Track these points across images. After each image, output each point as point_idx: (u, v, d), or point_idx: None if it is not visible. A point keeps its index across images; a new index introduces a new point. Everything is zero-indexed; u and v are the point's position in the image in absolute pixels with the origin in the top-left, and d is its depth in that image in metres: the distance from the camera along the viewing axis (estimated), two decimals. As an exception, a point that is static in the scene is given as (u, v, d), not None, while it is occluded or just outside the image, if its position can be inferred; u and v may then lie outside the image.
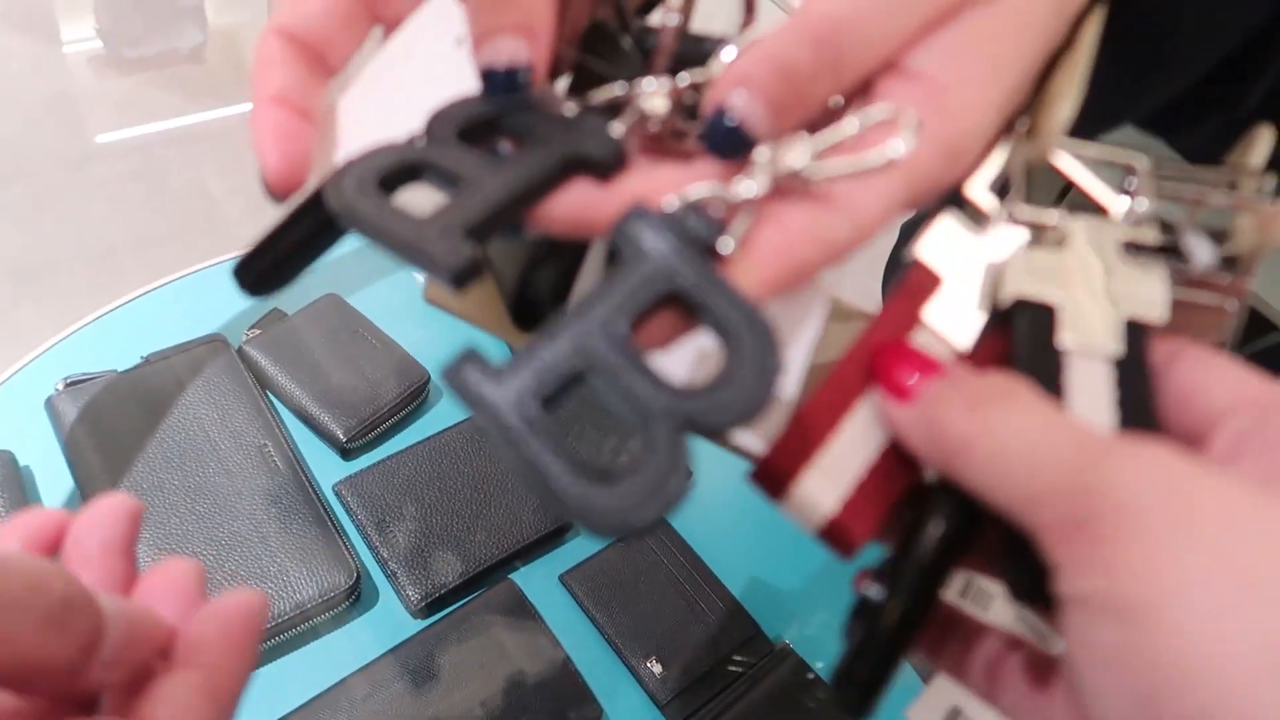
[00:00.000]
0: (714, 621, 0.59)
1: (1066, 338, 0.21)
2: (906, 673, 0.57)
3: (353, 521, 0.60)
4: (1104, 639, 0.16)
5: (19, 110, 1.08)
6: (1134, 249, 0.22)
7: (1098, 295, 0.21)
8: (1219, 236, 0.25)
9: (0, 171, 1.06)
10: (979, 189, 0.24)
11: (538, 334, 0.18)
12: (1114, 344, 0.20)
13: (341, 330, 0.68)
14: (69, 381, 0.62)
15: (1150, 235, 0.22)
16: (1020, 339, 0.21)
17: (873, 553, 0.22)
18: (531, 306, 0.32)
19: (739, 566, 0.62)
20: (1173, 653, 0.15)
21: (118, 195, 1.00)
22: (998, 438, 0.18)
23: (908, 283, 0.22)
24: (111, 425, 0.60)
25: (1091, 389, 0.20)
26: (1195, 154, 0.29)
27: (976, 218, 0.23)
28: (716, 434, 0.18)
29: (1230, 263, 0.24)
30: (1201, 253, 0.23)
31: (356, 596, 0.56)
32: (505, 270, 0.33)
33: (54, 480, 0.59)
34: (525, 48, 0.21)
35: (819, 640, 0.60)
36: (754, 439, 0.21)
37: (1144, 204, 0.23)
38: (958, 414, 0.19)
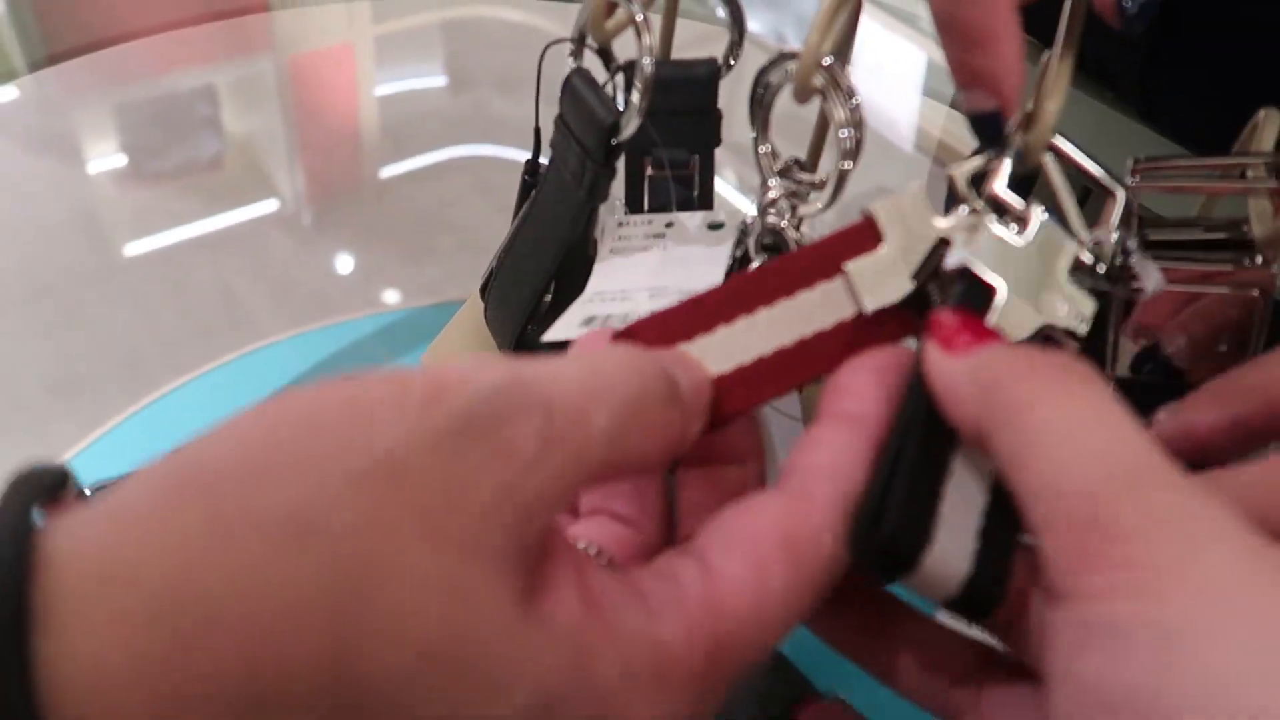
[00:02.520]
0: (762, 678, 0.57)
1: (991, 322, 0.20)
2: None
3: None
4: (1106, 663, 0.15)
5: (45, 229, 1.12)
6: (1079, 267, 0.22)
7: (1025, 293, 0.21)
8: (1235, 225, 0.24)
9: (30, 288, 1.09)
10: (961, 177, 0.23)
11: None
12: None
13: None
14: (97, 488, 0.62)
15: (1088, 256, 0.21)
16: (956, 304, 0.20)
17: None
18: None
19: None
20: (1194, 682, 0.14)
21: (144, 302, 1.03)
22: (1064, 411, 0.16)
23: (848, 231, 0.20)
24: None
25: None
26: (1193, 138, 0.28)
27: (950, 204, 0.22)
28: None
29: (1249, 248, 0.24)
30: (1150, 279, 0.23)
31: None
32: (503, 333, 0.33)
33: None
34: (993, 100, 0.22)
35: (871, 692, 0.57)
36: None
37: (1105, 234, 0.22)
38: (1020, 376, 0.17)
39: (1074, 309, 0.21)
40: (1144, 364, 0.26)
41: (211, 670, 0.13)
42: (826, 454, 0.17)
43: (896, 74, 0.82)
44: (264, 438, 0.14)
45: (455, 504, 0.14)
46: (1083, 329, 0.21)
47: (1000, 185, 0.21)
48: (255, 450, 0.14)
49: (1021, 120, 0.22)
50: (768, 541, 0.16)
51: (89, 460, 0.66)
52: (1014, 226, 0.21)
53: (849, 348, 0.20)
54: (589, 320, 0.27)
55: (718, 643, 0.16)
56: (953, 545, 0.18)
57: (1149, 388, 0.25)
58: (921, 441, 0.20)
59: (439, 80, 1.34)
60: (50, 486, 0.14)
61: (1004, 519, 0.19)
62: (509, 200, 0.31)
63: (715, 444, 0.19)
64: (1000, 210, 0.21)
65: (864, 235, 0.20)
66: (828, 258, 0.20)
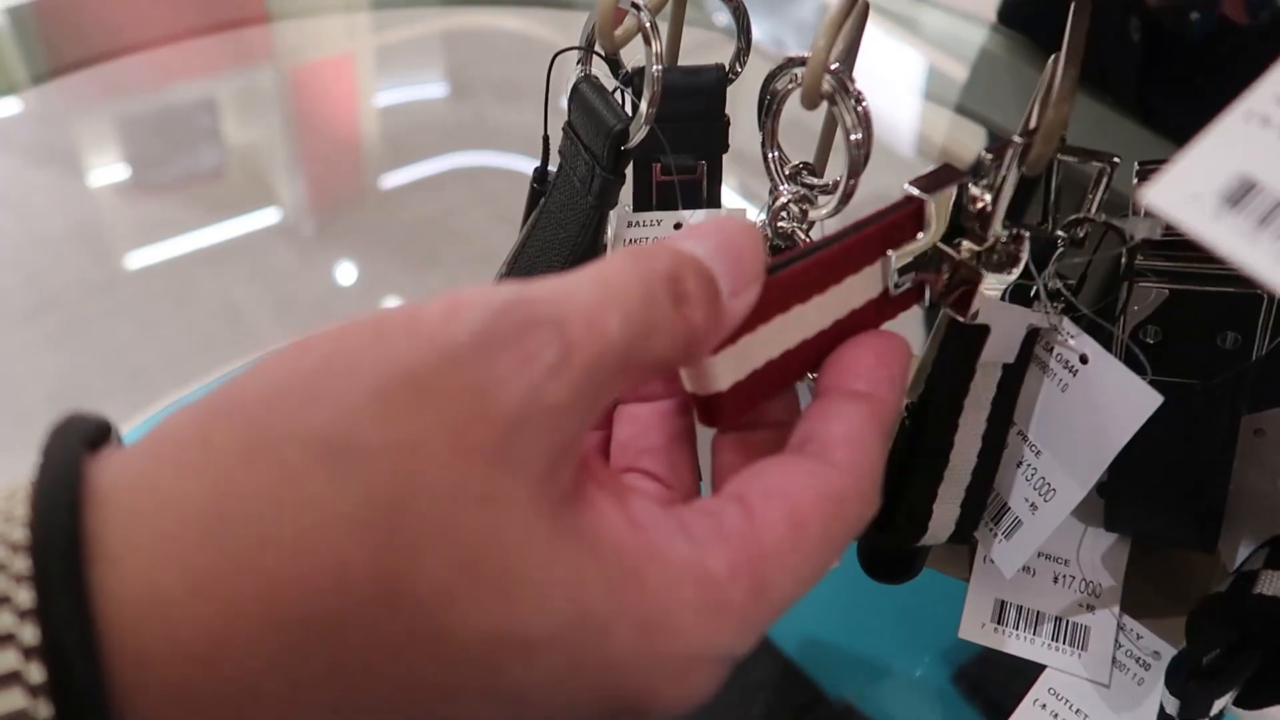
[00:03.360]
0: (767, 685, 0.56)
1: None
2: (950, 694, 0.54)
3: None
4: None
5: (47, 242, 1.12)
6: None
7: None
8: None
9: (34, 302, 1.09)
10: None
11: None
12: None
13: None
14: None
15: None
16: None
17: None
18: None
19: (789, 624, 0.60)
20: None
21: (147, 314, 1.03)
22: None
23: (898, 217, 0.21)
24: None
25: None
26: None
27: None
28: None
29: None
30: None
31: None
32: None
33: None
34: None
35: (879, 697, 0.57)
36: None
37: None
38: None
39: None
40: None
41: (262, 585, 0.13)
42: (843, 426, 0.18)
43: (897, 79, 0.83)
44: (290, 367, 0.15)
45: (480, 413, 0.14)
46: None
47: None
48: (283, 378, 0.14)
49: (1025, 130, 0.23)
50: (804, 496, 0.17)
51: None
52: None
53: (868, 321, 0.21)
54: None
55: (758, 580, 0.16)
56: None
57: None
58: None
59: (440, 90, 1.34)
60: (93, 433, 0.15)
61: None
62: (510, 209, 0.31)
63: (752, 413, 0.20)
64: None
65: (910, 221, 0.21)
66: (875, 243, 0.20)
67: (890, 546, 0.29)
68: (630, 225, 0.29)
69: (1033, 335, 0.25)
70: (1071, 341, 0.25)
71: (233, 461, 0.14)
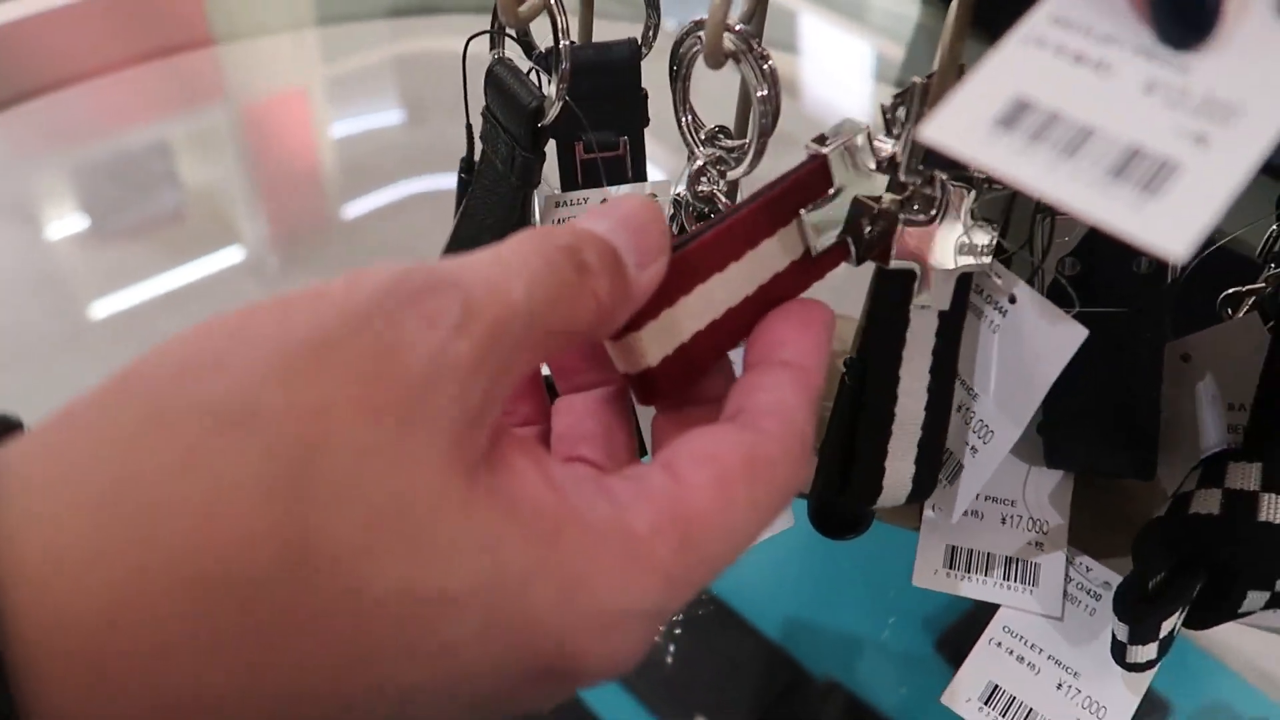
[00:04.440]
0: (754, 668, 0.57)
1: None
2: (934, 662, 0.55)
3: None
4: None
5: (9, 298, 1.10)
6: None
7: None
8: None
9: (-1, 359, 1.06)
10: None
11: None
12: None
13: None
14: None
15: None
16: None
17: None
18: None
19: (768, 607, 0.60)
20: None
21: (114, 363, 1.01)
22: None
23: (801, 176, 0.21)
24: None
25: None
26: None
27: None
28: None
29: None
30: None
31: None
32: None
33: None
34: None
35: (864, 671, 0.57)
36: None
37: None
38: None
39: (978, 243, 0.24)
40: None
41: (166, 550, 0.13)
42: (769, 395, 0.18)
43: (845, 67, 0.84)
44: (197, 342, 0.15)
45: (387, 374, 0.14)
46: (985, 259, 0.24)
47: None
48: (189, 352, 0.15)
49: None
50: (730, 460, 0.17)
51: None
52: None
53: (797, 285, 0.21)
54: None
55: (685, 540, 0.16)
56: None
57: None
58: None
59: (395, 116, 1.34)
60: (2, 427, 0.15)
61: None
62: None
63: (689, 389, 0.20)
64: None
65: (817, 179, 0.21)
66: (786, 205, 0.21)
67: (851, 509, 0.29)
68: (558, 205, 0.29)
69: (966, 279, 0.25)
70: (999, 281, 0.25)
71: (134, 432, 0.14)
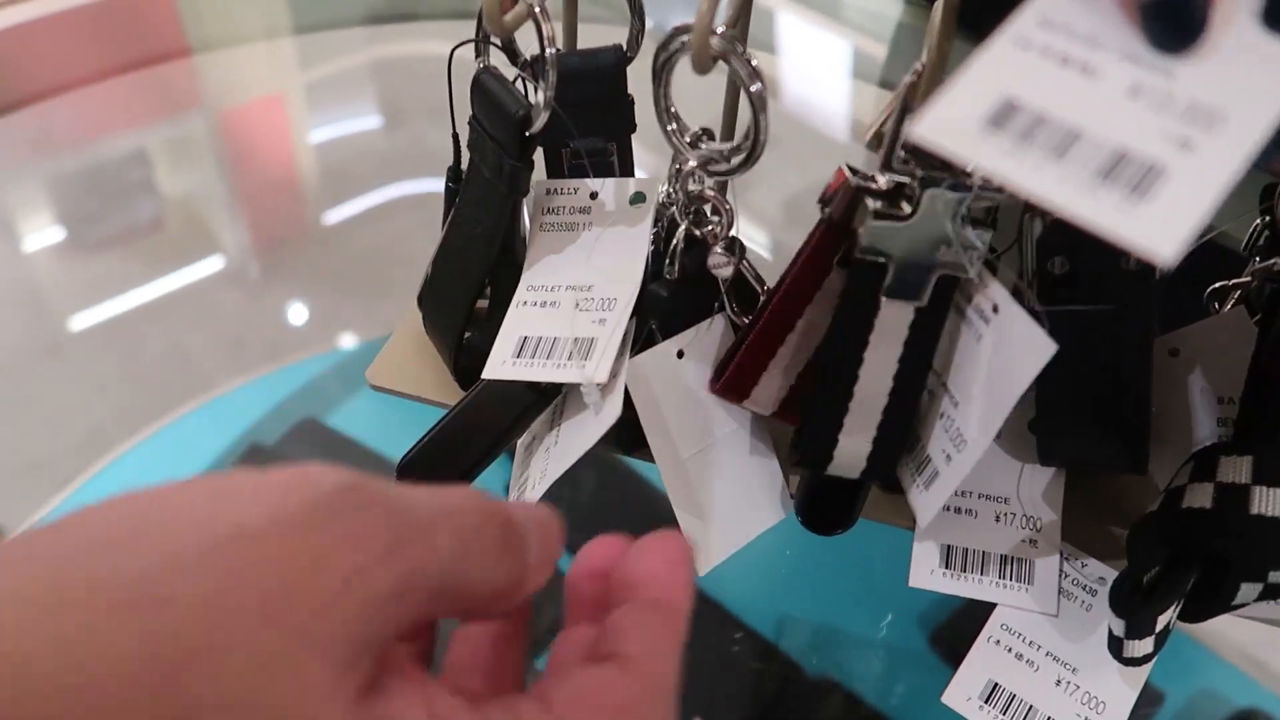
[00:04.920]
0: (750, 668, 0.57)
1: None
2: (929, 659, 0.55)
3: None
4: None
5: (-13, 310, 1.08)
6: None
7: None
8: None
9: (-22, 372, 1.05)
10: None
11: None
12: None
13: (323, 452, 0.68)
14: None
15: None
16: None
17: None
18: (472, 366, 0.32)
19: (764, 607, 0.60)
20: None
21: (96, 374, 1.01)
22: None
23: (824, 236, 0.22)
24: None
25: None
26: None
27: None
28: None
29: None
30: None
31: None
32: (443, 338, 0.33)
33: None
34: None
35: (860, 669, 0.57)
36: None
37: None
38: None
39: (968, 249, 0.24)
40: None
41: None
42: (642, 643, 0.20)
43: (823, 66, 0.84)
44: (127, 512, 0.15)
45: (302, 588, 0.14)
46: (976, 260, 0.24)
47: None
48: (114, 523, 0.14)
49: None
50: (603, 703, 0.18)
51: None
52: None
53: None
54: (523, 341, 0.28)
55: None
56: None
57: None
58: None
59: (374, 120, 1.33)
60: None
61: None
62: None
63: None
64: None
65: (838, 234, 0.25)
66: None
67: (809, 473, 0.29)
68: (549, 194, 0.29)
69: (948, 282, 0.25)
70: (984, 291, 0.25)
71: (28, 608, 0.13)
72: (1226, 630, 0.65)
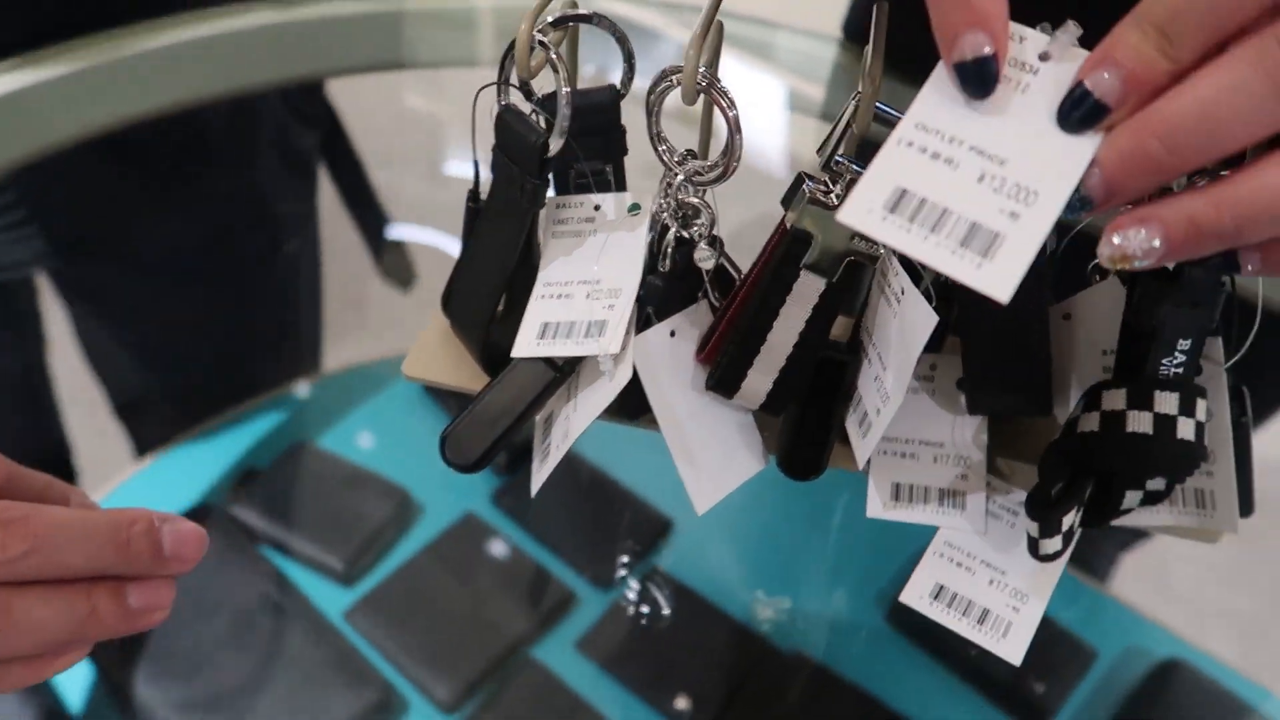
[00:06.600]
0: (727, 648, 0.62)
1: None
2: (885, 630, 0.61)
3: (368, 641, 0.62)
4: None
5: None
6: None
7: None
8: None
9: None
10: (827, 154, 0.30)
11: None
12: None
13: (315, 472, 0.72)
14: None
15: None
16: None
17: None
18: (499, 357, 0.38)
19: (735, 591, 0.65)
20: None
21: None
22: None
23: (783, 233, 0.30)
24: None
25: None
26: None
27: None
28: None
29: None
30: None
31: (388, 710, 0.58)
32: (470, 334, 0.38)
33: (74, 675, 0.60)
34: (988, 40, 0.25)
35: (825, 643, 0.63)
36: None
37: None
38: None
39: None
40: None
41: None
42: None
43: (761, 105, 0.91)
44: None
45: None
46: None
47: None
48: None
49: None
50: None
51: None
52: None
53: None
54: (544, 326, 0.34)
55: None
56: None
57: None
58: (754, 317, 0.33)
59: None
60: None
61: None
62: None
63: None
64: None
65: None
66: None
67: (786, 430, 0.36)
68: (559, 207, 0.35)
69: (855, 267, 0.32)
70: (895, 277, 0.32)
71: None
72: (1152, 595, 0.72)
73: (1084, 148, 0.25)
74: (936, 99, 0.26)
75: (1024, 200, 0.25)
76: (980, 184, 0.25)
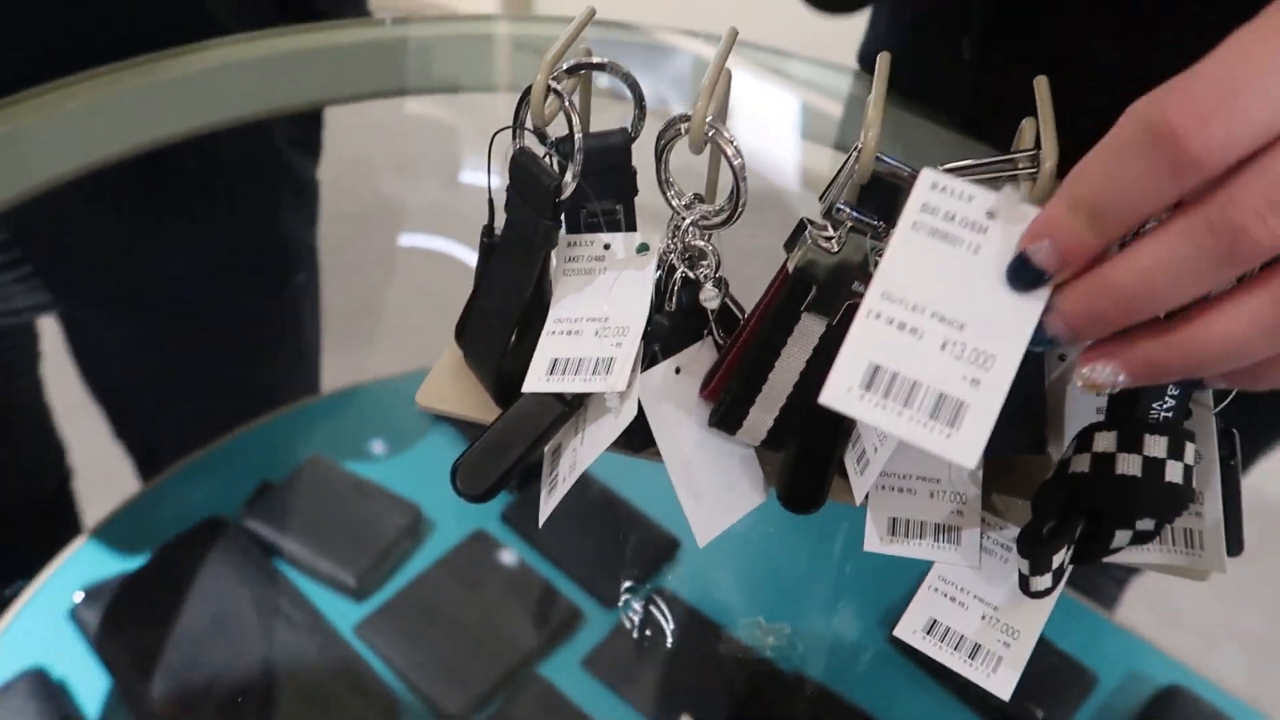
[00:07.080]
0: (731, 667, 0.63)
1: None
2: (886, 652, 0.62)
3: (378, 655, 0.63)
4: None
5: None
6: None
7: None
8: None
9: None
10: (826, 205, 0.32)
11: None
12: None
13: (329, 487, 0.73)
14: (87, 590, 0.66)
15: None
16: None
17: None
18: (510, 389, 0.39)
19: (740, 612, 0.66)
20: None
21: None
22: None
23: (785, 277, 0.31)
24: (137, 622, 0.64)
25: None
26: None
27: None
28: None
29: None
30: None
31: (398, 724, 0.60)
32: (483, 366, 0.40)
33: (90, 687, 0.62)
34: (1052, 257, 0.26)
35: (825, 664, 0.64)
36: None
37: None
38: None
39: None
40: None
41: None
42: None
43: (775, 121, 0.92)
44: None
45: None
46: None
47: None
48: None
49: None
50: None
51: (76, 567, 0.69)
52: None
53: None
54: (554, 362, 0.35)
55: None
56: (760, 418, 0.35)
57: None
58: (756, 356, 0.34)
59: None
60: None
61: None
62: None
63: None
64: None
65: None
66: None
67: (788, 464, 0.37)
68: (570, 245, 0.37)
69: (856, 308, 0.32)
70: None
71: None
72: (1154, 619, 0.73)
73: (1033, 305, 0.27)
74: (902, 262, 0.27)
75: (983, 365, 0.26)
76: (943, 352, 0.27)
